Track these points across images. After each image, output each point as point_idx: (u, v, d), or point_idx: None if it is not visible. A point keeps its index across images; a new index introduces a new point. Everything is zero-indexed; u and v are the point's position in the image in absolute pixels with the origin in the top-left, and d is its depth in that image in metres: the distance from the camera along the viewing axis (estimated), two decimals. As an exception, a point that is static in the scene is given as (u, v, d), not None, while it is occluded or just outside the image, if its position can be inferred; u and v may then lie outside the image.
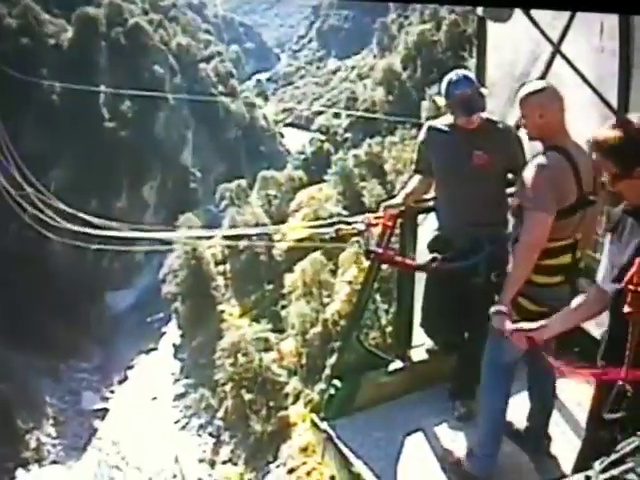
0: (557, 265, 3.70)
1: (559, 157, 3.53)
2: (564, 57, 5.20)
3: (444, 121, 4.42)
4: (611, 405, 2.85)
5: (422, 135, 4.52)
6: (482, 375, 4.03)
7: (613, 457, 2.35)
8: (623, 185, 2.98)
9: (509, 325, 3.43)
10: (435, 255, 4.43)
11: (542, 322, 3.30)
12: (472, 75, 4.43)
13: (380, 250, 4.44)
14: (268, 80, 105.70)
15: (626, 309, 2.73)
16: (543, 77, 5.31)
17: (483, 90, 4.27)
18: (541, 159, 3.54)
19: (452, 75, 4.23)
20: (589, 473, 2.31)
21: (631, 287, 2.73)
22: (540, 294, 3.72)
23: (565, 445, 4.04)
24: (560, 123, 3.63)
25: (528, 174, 3.55)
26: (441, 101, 4.31)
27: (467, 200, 4.21)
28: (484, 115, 4.27)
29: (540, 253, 3.59)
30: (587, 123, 5.05)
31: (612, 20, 4.79)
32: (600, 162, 3.02)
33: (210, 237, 39.39)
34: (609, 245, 3.14)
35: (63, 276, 46.42)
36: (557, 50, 5.18)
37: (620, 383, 2.80)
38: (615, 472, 2.26)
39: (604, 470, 2.29)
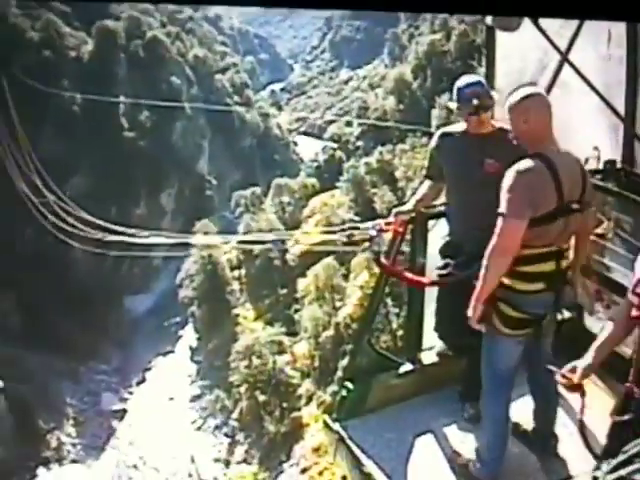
0: (537, 272, 3.61)
1: (539, 164, 3.45)
2: (572, 65, 5.13)
3: (457, 128, 4.39)
4: (619, 407, 2.80)
5: (434, 141, 4.48)
6: (482, 381, 3.99)
7: (621, 458, 2.37)
8: None
9: (558, 378, 3.23)
10: (448, 261, 4.38)
11: (584, 362, 3.11)
12: (482, 78, 4.44)
13: (387, 262, 4.42)
14: (282, 90, 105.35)
15: (634, 313, 2.66)
16: (551, 85, 5.28)
17: (493, 93, 4.26)
18: (519, 165, 3.47)
19: (463, 77, 4.24)
20: (597, 474, 2.36)
21: (639, 291, 2.67)
22: (520, 300, 3.66)
23: (573, 446, 3.94)
24: (544, 130, 3.56)
25: (505, 180, 3.48)
26: (453, 105, 4.28)
27: (477, 206, 4.09)
28: (497, 124, 4.23)
29: (517, 259, 3.51)
30: (594, 130, 5.17)
31: (619, 28, 4.75)
32: None
33: (226, 243, 39.74)
34: None
35: (83, 281, 46.80)
36: (565, 58, 5.11)
37: (628, 385, 2.73)
38: (623, 472, 2.28)
39: (612, 471, 2.32)
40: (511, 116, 3.63)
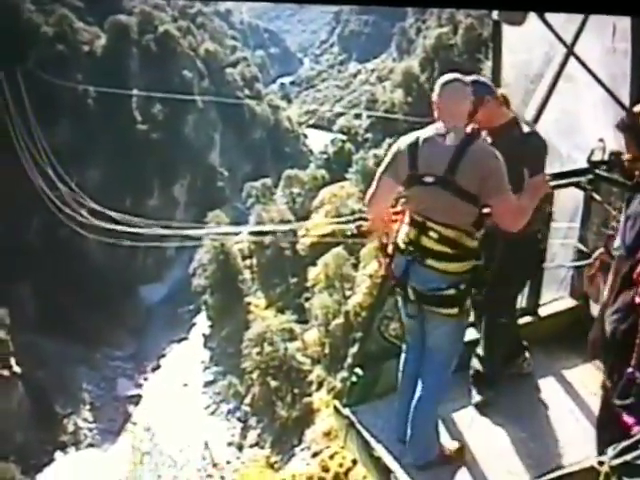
0: (403, 236, 3.85)
1: (410, 136, 3.78)
2: (577, 58, 5.10)
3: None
4: (621, 391, 2.80)
5: None
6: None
7: (626, 443, 2.39)
8: None
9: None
10: None
11: None
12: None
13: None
14: (292, 83, 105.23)
15: (638, 299, 2.68)
16: (557, 78, 5.26)
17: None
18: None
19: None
20: (602, 458, 2.36)
21: None
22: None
23: (579, 432, 4.04)
24: (435, 110, 3.74)
25: None
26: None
27: None
28: (511, 115, 4.29)
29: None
30: (599, 122, 5.07)
31: (624, 22, 4.74)
32: (626, 142, 3.12)
33: (237, 233, 40.02)
34: (623, 215, 3.26)
35: (100, 271, 47.31)
36: (570, 51, 5.08)
37: (630, 370, 2.74)
38: (628, 457, 2.30)
39: (617, 455, 2.33)
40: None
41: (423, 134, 3.72)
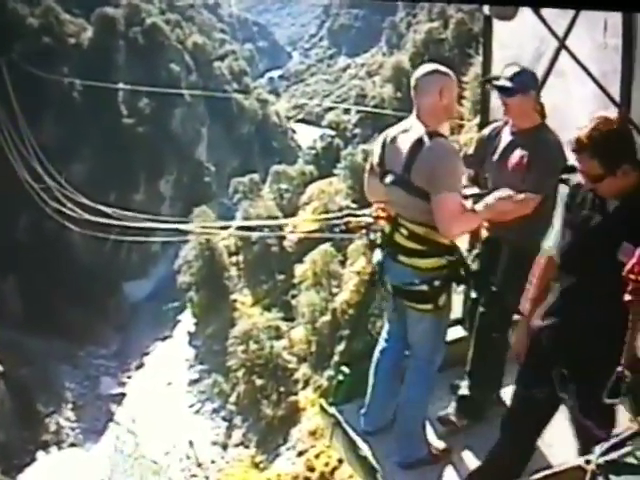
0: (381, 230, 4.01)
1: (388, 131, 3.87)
2: (569, 51, 5.07)
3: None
4: (610, 390, 2.81)
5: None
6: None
7: (613, 441, 2.42)
8: (604, 183, 2.98)
9: None
10: None
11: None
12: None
13: None
14: (280, 77, 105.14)
15: (627, 297, 2.70)
16: (547, 73, 5.21)
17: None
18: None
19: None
20: (589, 457, 2.36)
21: (632, 277, 2.70)
22: None
23: (567, 433, 3.88)
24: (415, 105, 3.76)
25: None
26: None
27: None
28: (539, 121, 4.14)
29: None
30: (590, 118, 5.23)
31: (615, 17, 4.73)
32: (584, 162, 3.01)
33: (224, 229, 39.76)
34: (565, 215, 3.25)
35: (83, 266, 46.94)
36: (562, 44, 5.07)
37: (619, 369, 2.76)
38: (614, 455, 2.33)
39: (604, 454, 2.35)
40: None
41: (393, 130, 3.78)
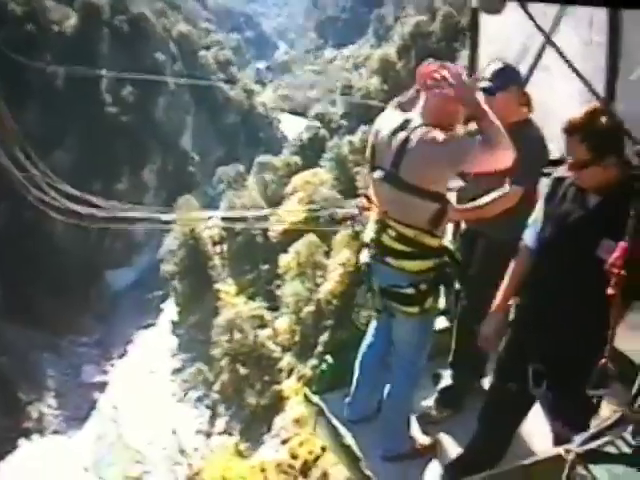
0: (368, 232, 3.84)
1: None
2: (555, 46, 4.99)
3: None
4: (595, 381, 2.82)
5: None
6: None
7: (593, 431, 2.45)
8: (588, 171, 2.99)
9: None
10: None
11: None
12: None
13: None
14: (267, 68, 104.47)
15: (610, 291, 2.71)
16: (532, 69, 5.21)
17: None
18: None
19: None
20: (569, 446, 2.39)
21: (615, 270, 2.72)
22: None
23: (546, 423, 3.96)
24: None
25: None
26: None
27: (472, 185, 4.05)
28: (526, 115, 4.13)
29: None
30: (576, 113, 5.30)
31: (601, 14, 4.75)
32: (572, 145, 3.02)
33: (208, 218, 39.71)
34: (545, 208, 3.25)
35: (65, 255, 46.70)
36: (548, 39, 4.96)
37: (603, 360, 2.76)
38: (594, 445, 2.36)
39: (584, 443, 2.39)
40: None
41: (386, 122, 3.59)
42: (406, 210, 3.48)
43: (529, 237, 3.32)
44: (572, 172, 3.06)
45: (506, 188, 3.77)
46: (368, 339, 4.13)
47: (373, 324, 4.14)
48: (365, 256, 3.74)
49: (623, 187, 2.94)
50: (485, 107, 3.32)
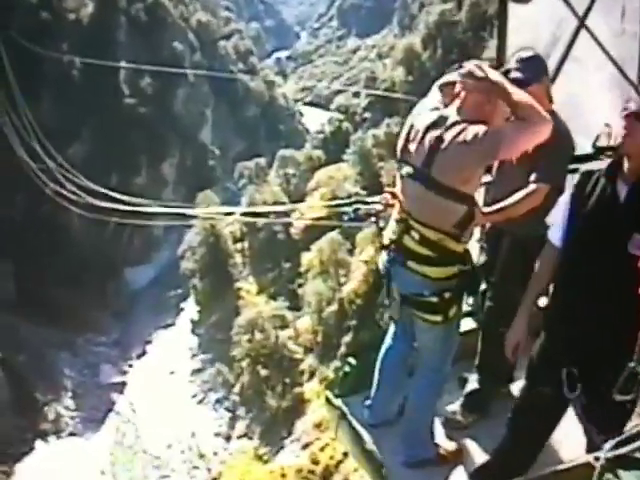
0: (389, 230, 3.74)
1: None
2: (589, 31, 5.15)
3: None
4: (622, 386, 2.82)
5: None
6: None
7: (621, 437, 2.42)
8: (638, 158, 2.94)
9: None
10: None
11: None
12: None
13: None
14: (288, 58, 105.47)
15: None
16: (564, 58, 5.29)
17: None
18: None
19: None
20: (598, 454, 2.38)
21: None
22: None
23: (577, 430, 3.86)
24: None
25: None
26: None
27: (497, 185, 4.07)
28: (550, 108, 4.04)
29: None
30: (607, 104, 5.09)
31: (634, 3, 4.79)
32: (635, 129, 2.93)
33: (229, 214, 39.38)
34: (573, 205, 3.13)
35: (84, 252, 46.62)
36: (582, 23, 5.15)
37: (631, 365, 2.77)
38: (623, 451, 2.34)
39: (613, 449, 2.36)
40: None
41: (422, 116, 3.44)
42: (432, 211, 3.37)
43: (555, 235, 3.22)
44: (625, 149, 2.94)
45: (532, 187, 3.66)
46: (387, 344, 4.08)
47: (392, 331, 4.08)
48: (384, 259, 3.66)
49: None
50: (510, 87, 3.17)
